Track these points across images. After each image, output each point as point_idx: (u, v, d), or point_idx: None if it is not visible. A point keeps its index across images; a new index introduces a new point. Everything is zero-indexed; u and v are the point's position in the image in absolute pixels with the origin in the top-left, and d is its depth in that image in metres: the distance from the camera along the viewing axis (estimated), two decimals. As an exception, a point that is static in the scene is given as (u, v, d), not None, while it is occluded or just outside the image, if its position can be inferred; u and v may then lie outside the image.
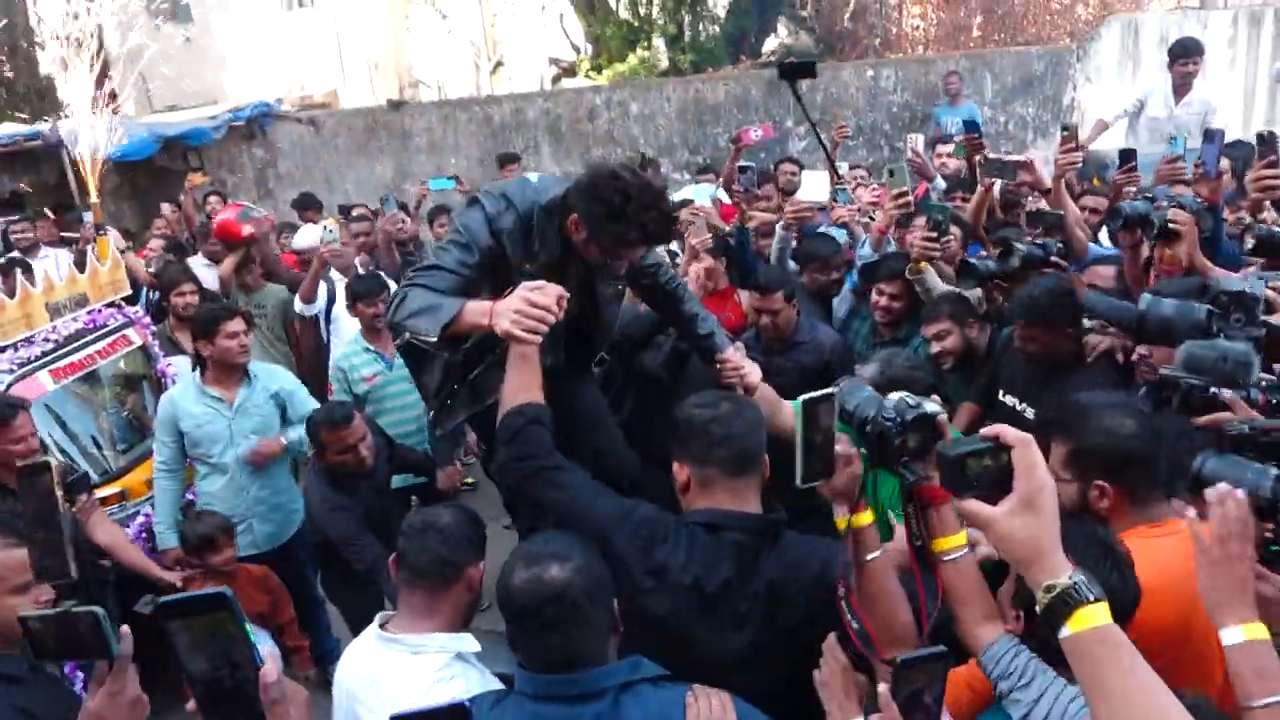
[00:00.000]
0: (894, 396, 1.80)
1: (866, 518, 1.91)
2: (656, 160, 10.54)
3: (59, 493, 1.73)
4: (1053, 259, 3.85)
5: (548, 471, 2.25)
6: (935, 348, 3.83)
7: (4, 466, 3.48)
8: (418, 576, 2.20)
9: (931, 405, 1.77)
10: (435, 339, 2.48)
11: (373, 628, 2.24)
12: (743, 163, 5.91)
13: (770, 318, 4.04)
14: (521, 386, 2.34)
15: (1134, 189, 4.17)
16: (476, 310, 2.42)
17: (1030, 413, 3.46)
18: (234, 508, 4.23)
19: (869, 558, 1.90)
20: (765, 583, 2.04)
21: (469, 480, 6.06)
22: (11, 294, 4.42)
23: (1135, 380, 3.18)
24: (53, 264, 6.71)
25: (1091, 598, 1.28)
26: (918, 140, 5.67)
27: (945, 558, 1.79)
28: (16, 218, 7.60)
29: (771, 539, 2.09)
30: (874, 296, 4.20)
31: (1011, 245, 3.88)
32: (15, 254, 7.00)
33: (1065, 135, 4.32)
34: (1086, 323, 3.39)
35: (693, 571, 2.05)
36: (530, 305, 2.31)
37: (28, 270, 5.45)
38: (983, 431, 1.39)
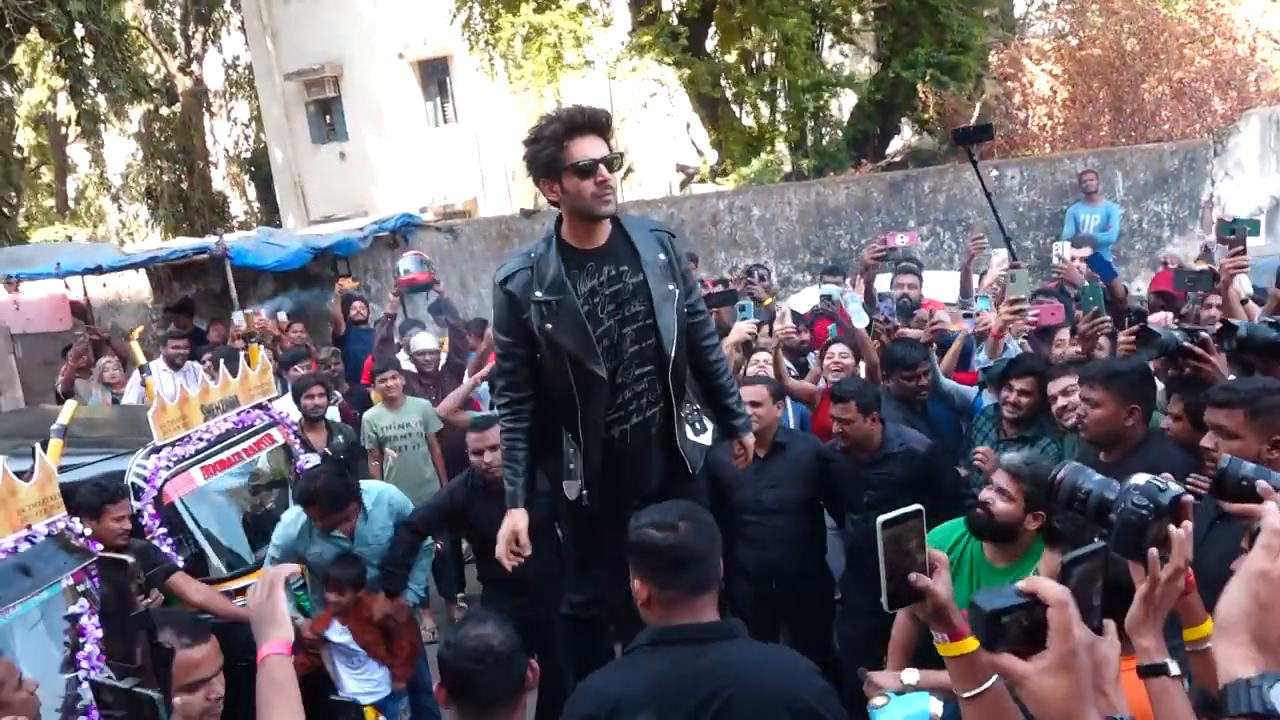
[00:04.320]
0: (1139, 479, 1.68)
1: (970, 644, 1.60)
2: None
3: (133, 587, 2.06)
4: None
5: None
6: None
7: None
8: (494, 705, 2.18)
9: (1176, 486, 1.68)
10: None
11: None
12: (882, 291, 5.69)
13: (843, 426, 4.07)
14: None
15: None
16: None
17: None
18: None
19: (978, 690, 1.59)
20: (717, 694, 2.03)
21: None
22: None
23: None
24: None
25: None
26: (1064, 247, 5.41)
27: (1199, 648, 1.71)
28: (179, 333, 8.17)
29: (717, 644, 2.12)
30: (1004, 393, 4.22)
31: (1231, 324, 3.38)
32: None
33: (1233, 238, 4.21)
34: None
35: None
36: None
37: (233, 359, 5.86)
38: (1019, 585, 1.35)
